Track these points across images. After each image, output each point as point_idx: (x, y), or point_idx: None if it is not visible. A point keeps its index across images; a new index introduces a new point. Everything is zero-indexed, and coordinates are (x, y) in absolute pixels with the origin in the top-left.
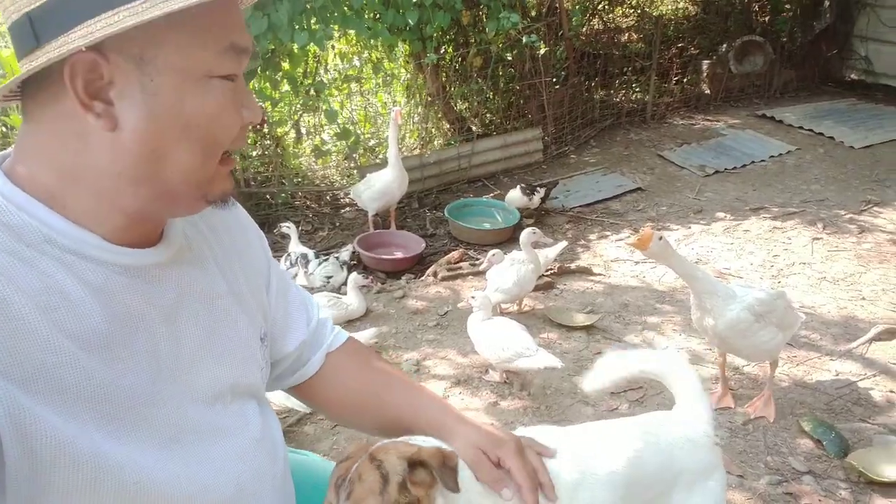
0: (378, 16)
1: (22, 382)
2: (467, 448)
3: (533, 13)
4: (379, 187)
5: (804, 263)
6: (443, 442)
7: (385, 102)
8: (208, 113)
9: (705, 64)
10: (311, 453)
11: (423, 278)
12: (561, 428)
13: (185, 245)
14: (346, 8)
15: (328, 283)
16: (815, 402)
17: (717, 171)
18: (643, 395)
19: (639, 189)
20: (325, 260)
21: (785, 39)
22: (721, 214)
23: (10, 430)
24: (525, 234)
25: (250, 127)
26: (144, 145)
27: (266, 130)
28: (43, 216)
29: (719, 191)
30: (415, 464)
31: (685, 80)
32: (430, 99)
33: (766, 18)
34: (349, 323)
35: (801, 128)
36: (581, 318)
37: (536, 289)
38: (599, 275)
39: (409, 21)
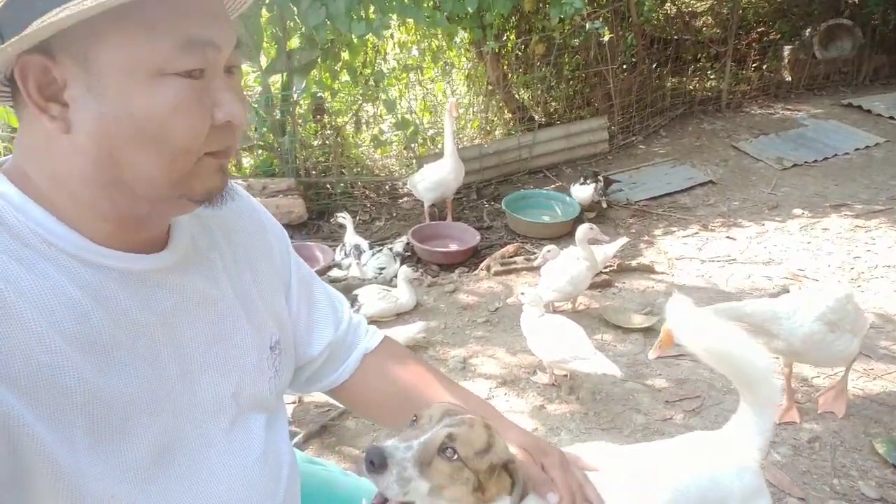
0: (437, 4)
1: (14, 383)
2: (514, 449)
3: None
4: (434, 178)
5: (889, 266)
6: None
7: (445, 91)
8: (159, 112)
9: (787, 49)
10: (332, 465)
11: (475, 272)
12: (604, 447)
13: (192, 250)
14: None
15: (380, 274)
16: (893, 421)
17: (795, 165)
18: (700, 404)
19: (710, 182)
20: (379, 251)
21: (877, 22)
22: (798, 211)
23: None
24: (581, 230)
25: (312, 118)
26: (99, 148)
27: (326, 120)
28: (40, 218)
29: (797, 185)
30: (506, 464)
31: (764, 66)
32: (490, 88)
33: None
34: (398, 316)
35: (891, 118)
36: (639, 320)
37: (593, 286)
38: (662, 273)
39: (469, 9)
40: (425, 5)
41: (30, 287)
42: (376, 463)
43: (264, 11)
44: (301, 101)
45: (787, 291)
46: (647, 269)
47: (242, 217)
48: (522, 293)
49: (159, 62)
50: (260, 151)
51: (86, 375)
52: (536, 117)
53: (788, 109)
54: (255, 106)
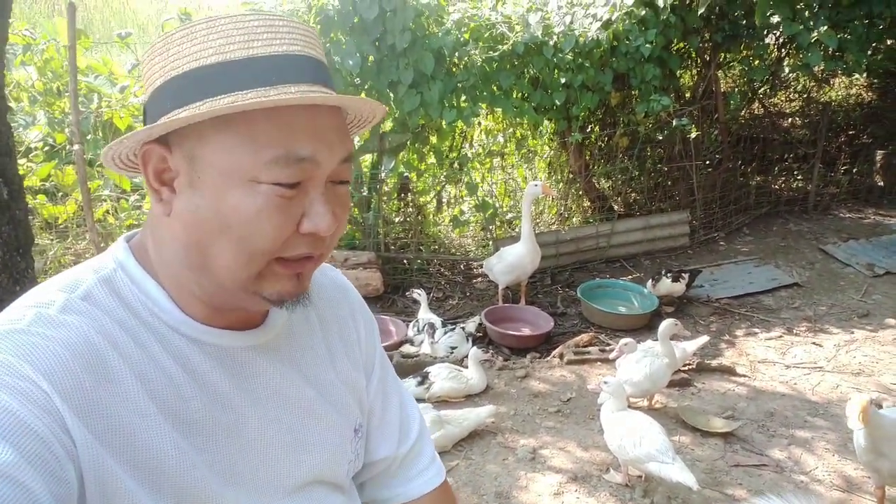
0: (526, 95)
1: (110, 443)
2: None
3: (687, 95)
4: (511, 261)
5: None
6: None
7: (525, 177)
8: (244, 216)
9: (879, 154)
10: None
11: (548, 359)
12: None
13: (286, 331)
14: (494, 87)
15: (452, 353)
16: None
17: (888, 272)
18: None
19: (795, 284)
20: (452, 330)
21: None
22: (891, 321)
23: (93, 483)
24: (665, 326)
25: (396, 196)
26: (188, 235)
27: (409, 199)
28: (150, 290)
29: (890, 294)
30: None
31: (854, 170)
32: (571, 176)
33: None
34: (468, 398)
35: None
36: (719, 424)
37: (671, 385)
38: (744, 376)
39: (556, 101)
40: (514, 96)
41: (131, 353)
42: None
43: (363, 96)
44: (388, 180)
45: (880, 406)
46: (728, 371)
47: (338, 305)
48: (605, 382)
49: (255, 171)
50: None
51: (174, 442)
52: (616, 207)
53: (880, 215)
54: None
